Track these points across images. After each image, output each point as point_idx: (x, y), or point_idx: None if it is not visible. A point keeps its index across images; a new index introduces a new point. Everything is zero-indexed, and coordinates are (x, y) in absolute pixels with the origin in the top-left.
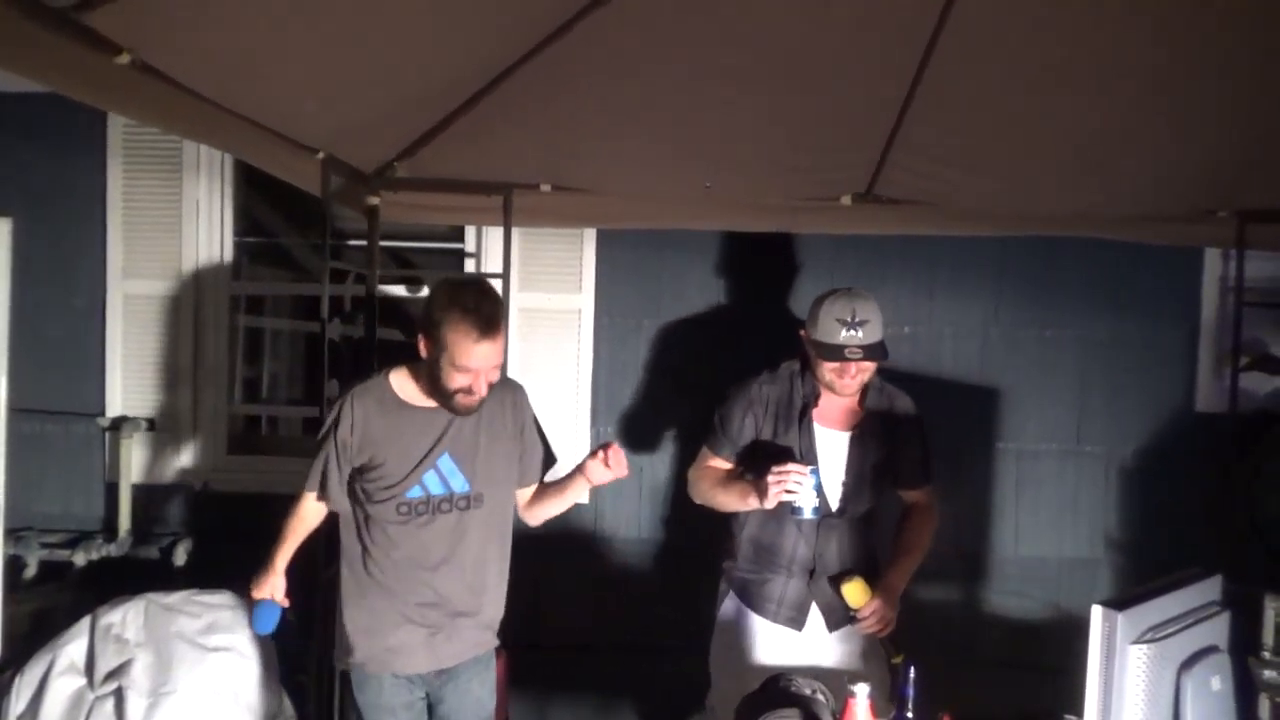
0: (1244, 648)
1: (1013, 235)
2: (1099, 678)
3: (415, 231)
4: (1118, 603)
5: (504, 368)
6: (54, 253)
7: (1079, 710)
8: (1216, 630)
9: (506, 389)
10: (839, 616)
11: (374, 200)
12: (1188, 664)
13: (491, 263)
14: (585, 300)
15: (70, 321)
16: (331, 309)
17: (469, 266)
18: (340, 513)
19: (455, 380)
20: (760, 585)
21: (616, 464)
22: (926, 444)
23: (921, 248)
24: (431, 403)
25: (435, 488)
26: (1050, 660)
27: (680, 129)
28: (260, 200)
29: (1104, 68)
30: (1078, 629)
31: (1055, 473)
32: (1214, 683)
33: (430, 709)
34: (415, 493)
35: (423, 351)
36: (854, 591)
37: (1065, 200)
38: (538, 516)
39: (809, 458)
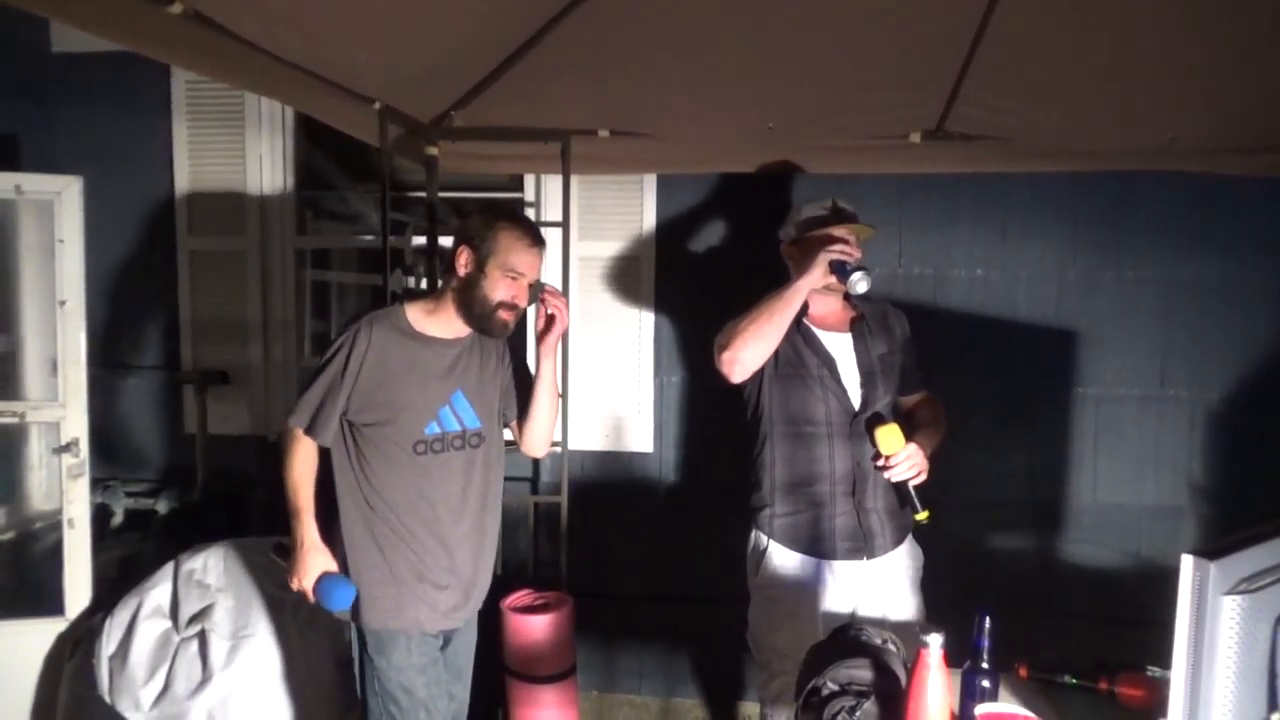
0: None
1: (1089, 171)
2: (1189, 630)
3: (474, 182)
4: (1210, 552)
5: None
6: (124, 211)
7: (1165, 663)
8: None
9: None
10: (881, 541)
11: (432, 150)
12: None
13: (551, 211)
14: (646, 248)
15: (143, 278)
16: (393, 261)
17: (529, 215)
18: (334, 455)
19: (499, 290)
20: (807, 525)
21: (556, 308)
22: (919, 352)
23: (994, 188)
24: (447, 334)
25: (450, 424)
26: (1129, 611)
27: (742, 68)
28: (321, 154)
29: None
30: (1159, 579)
31: (1136, 418)
32: None
33: None
34: (432, 429)
35: (462, 266)
36: (888, 436)
37: (1143, 134)
38: (535, 437)
39: (822, 358)
